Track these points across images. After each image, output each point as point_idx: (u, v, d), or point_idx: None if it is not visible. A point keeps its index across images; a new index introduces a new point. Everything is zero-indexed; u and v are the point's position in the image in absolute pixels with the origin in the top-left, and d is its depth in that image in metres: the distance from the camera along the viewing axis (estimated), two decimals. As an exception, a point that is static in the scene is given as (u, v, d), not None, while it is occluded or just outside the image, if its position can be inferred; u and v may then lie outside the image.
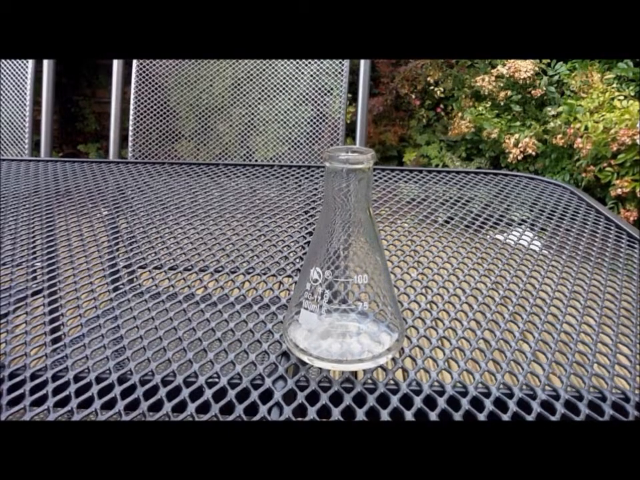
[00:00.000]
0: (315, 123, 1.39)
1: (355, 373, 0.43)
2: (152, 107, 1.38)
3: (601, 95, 2.68)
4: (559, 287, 0.60)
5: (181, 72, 1.41)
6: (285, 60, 1.39)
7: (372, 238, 0.43)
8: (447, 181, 1.00)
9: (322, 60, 1.38)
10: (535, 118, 2.98)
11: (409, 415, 0.39)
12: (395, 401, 0.40)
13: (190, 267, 0.63)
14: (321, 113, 1.39)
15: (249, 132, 1.41)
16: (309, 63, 1.39)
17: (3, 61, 1.34)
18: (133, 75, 1.36)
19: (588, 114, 2.61)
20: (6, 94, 1.35)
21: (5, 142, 1.34)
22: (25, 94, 1.33)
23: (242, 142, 1.42)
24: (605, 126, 2.48)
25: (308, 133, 1.39)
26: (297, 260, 0.66)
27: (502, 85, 2.98)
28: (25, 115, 1.33)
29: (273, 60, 1.39)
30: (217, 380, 0.42)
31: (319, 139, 1.39)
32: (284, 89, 1.40)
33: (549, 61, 2.96)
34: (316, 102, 1.39)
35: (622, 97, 2.62)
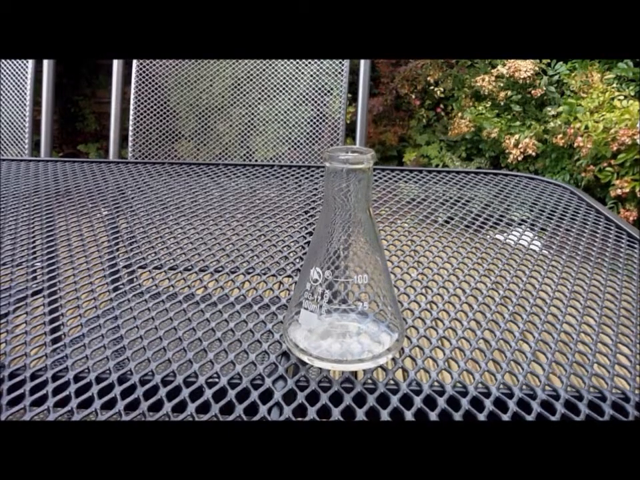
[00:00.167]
0: (314, 123, 1.39)
1: (354, 373, 0.43)
2: (152, 107, 1.38)
3: (600, 94, 2.68)
4: (559, 287, 0.60)
5: (181, 72, 1.41)
6: (285, 60, 1.39)
7: (372, 238, 0.43)
8: (447, 181, 1.00)
9: (322, 60, 1.38)
10: (535, 118, 2.98)
11: (409, 415, 0.39)
12: (395, 400, 0.40)
13: (190, 267, 0.63)
14: (321, 113, 1.39)
15: (248, 132, 1.41)
16: (309, 62, 1.39)
17: (3, 60, 1.34)
18: (133, 75, 1.36)
19: (588, 114, 2.61)
20: (6, 94, 1.35)
21: (5, 142, 1.34)
22: (25, 94, 1.33)
23: (242, 142, 1.42)
24: (604, 126, 2.48)
25: (308, 133, 1.39)
26: (297, 260, 0.66)
27: (502, 84, 2.98)
28: (25, 115, 1.33)
29: (273, 60, 1.39)
30: (216, 380, 0.42)
31: (319, 139, 1.39)
32: (284, 88, 1.40)
33: (548, 60, 2.96)
34: (316, 102, 1.39)
35: (622, 97, 2.62)
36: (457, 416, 0.39)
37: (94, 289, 0.57)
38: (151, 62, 1.38)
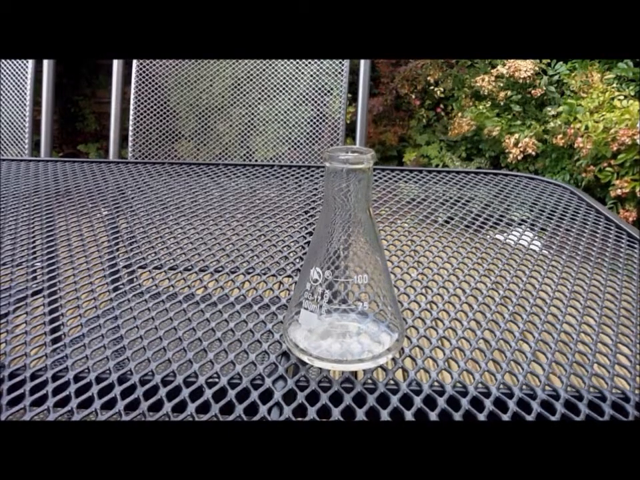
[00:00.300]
0: (315, 123, 1.39)
1: (355, 373, 0.43)
2: (152, 107, 1.38)
3: (600, 94, 2.68)
4: (559, 287, 0.60)
5: (181, 72, 1.41)
6: (285, 60, 1.39)
7: (372, 238, 0.43)
8: (447, 181, 1.00)
9: (322, 60, 1.38)
10: (535, 118, 2.98)
11: (409, 415, 0.39)
12: (395, 400, 0.40)
13: (190, 267, 0.63)
14: (321, 113, 1.39)
15: (248, 132, 1.41)
16: (309, 62, 1.39)
17: (3, 60, 1.34)
18: (133, 75, 1.36)
19: (588, 114, 2.61)
20: (6, 94, 1.35)
21: (5, 142, 1.34)
22: (25, 94, 1.33)
23: (242, 142, 1.42)
24: (605, 126, 2.48)
25: (308, 133, 1.39)
26: (297, 260, 0.66)
27: (502, 84, 2.98)
28: (25, 115, 1.33)
29: (273, 60, 1.39)
30: (216, 380, 0.42)
31: (319, 139, 1.39)
32: (284, 88, 1.40)
33: (548, 60, 2.96)
34: (316, 102, 1.39)
35: (622, 97, 2.62)
36: (457, 416, 0.39)
37: (94, 289, 0.57)
38: (151, 62, 1.38)
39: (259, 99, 1.40)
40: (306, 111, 1.39)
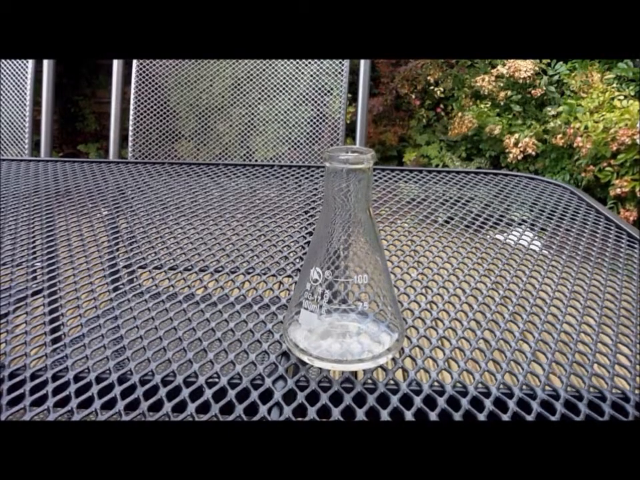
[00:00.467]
0: (315, 123, 1.39)
1: (355, 373, 0.43)
2: (152, 107, 1.38)
3: (600, 94, 2.68)
4: (559, 287, 0.60)
5: (181, 72, 1.41)
6: (285, 60, 1.39)
7: (372, 238, 0.43)
8: (447, 181, 1.00)
9: (322, 60, 1.38)
10: (535, 118, 2.98)
11: (409, 415, 0.39)
12: (395, 400, 0.40)
13: (190, 267, 0.63)
14: (321, 113, 1.39)
15: (249, 132, 1.41)
16: (309, 63, 1.39)
17: (3, 61, 1.34)
18: (133, 75, 1.36)
19: (588, 114, 2.61)
20: (6, 94, 1.35)
21: (5, 142, 1.34)
22: (25, 94, 1.33)
23: (242, 142, 1.42)
24: (604, 126, 2.48)
25: (308, 133, 1.39)
26: (297, 260, 0.66)
27: (502, 84, 2.98)
28: (25, 115, 1.33)
29: (273, 60, 1.39)
30: (216, 380, 0.42)
31: (319, 139, 1.39)
32: (284, 88, 1.40)
33: (548, 60, 2.96)
34: (316, 102, 1.39)
35: (622, 97, 2.62)
36: (457, 416, 0.39)
37: (94, 289, 0.57)
38: (151, 62, 1.38)
39: (259, 98, 1.40)
40: (306, 111, 1.39)
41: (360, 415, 0.39)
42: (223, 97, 1.40)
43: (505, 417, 0.39)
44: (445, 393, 0.41)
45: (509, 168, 2.96)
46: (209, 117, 1.41)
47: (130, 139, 1.37)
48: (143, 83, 1.37)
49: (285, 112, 1.40)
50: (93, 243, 0.70)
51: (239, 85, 1.40)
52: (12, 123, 1.34)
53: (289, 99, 1.39)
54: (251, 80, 1.40)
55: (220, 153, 1.42)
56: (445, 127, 3.25)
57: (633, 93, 2.67)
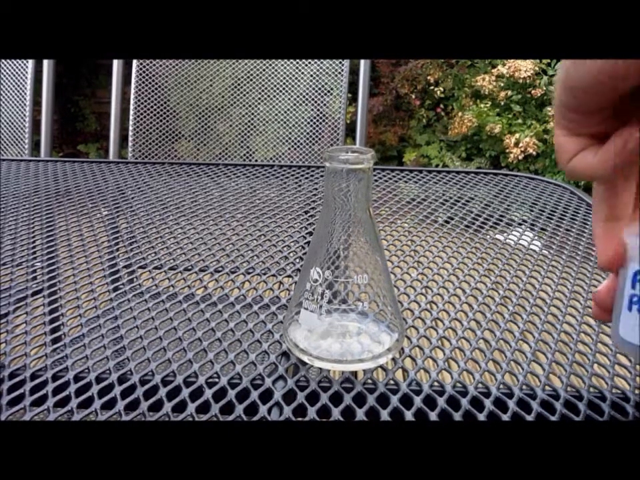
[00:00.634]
0: (315, 123, 1.39)
1: (355, 373, 0.43)
2: (152, 106, 1.38)
3: (600, 94, 2.68)
4: (559, 287, 0.60)
5: (181, 72, 1.41)
6: (285, 60, 1.39)
7: (372, 238, 0.43)
8: (447, 181, 1.00)
9: (322, 60, 1.38)
10: (535, 118, 2.98)
11: (409, 415, 0.39)
12: (394, 400, 0.40)
13: (190, 267, 0.63)
14: (321, 113, 1.39)
15: (249, 132, 1.41)
16: (309, 63, 1.39)
17: (3, 61, 1.34)
18: (133, 75, 1.36)
19: (588, 114, 2.61)
20: (6, 94, 1.35)
21: (5, 142, 1.34)
22: (25, 94, 1.33)
23: (242, 142, 1.42)
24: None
25: (308, 133, 1.39)
26: (297, 260, 0.66)
27: (502, 84, 2.98)
28: (25, 115, 1.33)
29: (273, 60, 1.39)
30: (216, 380, 0.42)
31: (319, 139, 1.39)
32: (284, 88, 1.40)
33: (549, 60, 2.96)
34: (316, 102, 1.39)
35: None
36: (457, 416, 0.39)
37: (94, 289, 0.57)
38: (151, 62, 1.38)
39: (259, 98, 1.40)
40: (306, 111, 1.39)
41: (360, 414, 0.39)
42: (223, 96, 1.40)
43: (505, 417, 0.39)
44: (444, 393, 0.41)
45: (509, 168, 2.96)
46: (209, 116, 1.41)
47: (130, 139, 1.37)
48: (143, 82, 1.37)
49: (285, 112, 1.40)
50: (93, 243, 0.70)
51: (238, 84, 1.40)
52: (12, 123, 1.34)
53: (289, 99, 1.39)
54: (251, 80, 1.40)
55: (220, 153, 1.42)
56: (445, 127, 3.25)
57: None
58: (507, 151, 2.89)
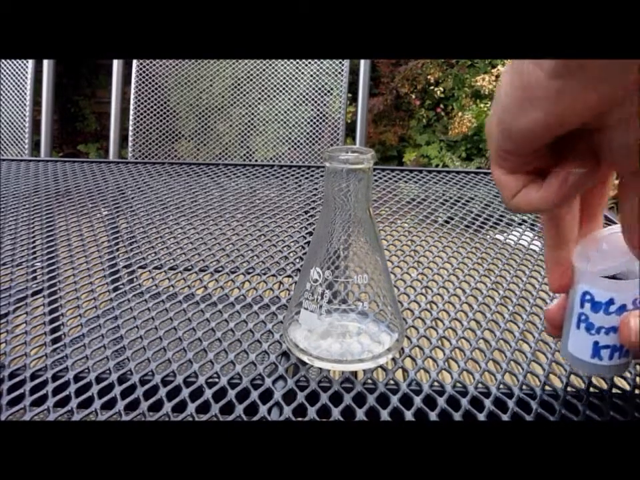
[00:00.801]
0: (315, 123, 1.39)
1: (354, 373, 0.43)
2: (152, 106, 1.38)
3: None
4: (559, 286, 0.60)
5: (181, 72, 1.41)
6: (285, 60, 1.39)
7: (372, 238, 0.43)
8: (447, 181, 1.00)
9: (322, 60, 1.38)
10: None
11: (408, 415, 0.39)
12: (394, 400, 0.40)
13: (190, 267, 0.63)
14: (321, 112, 1.39)
15: (249, 132, 1.41)
16: (309, 63, 1.40)
17: (3, 61, 1.35)
18: (133, 75, 1.37)
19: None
20: (6, 94, 1.35)
21: (5, 142, 1.34)
22: (25, 94, 1.33)
23: (242, 142, 1.42)
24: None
25: (308, 133, 1.39)
26: (297, 260, 0.66)
27: (502, 84, 2.98)
28: (25, 115, 1.33)
29: (273, 60, 1.39)
30: (216, 380, 0.42)
31: (319, 139, 1.39)
32: (284, 88, 1.40)
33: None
34: (316, 102, 1.39)
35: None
36: (457, 416, 0.39)
37: (94, 289, 0.57)
38: (151, 62, 1.38)
39: (259, 98, 1.40)
40: (306, 111, 1.39)
41: (360, 414, 0.39)
42: (223, 96, 1.40)
43: (505, 417, 0.39)
44: (444, 393, 0.41)
45: (509, 168, 2.96)
46: (209, 116, 1.41)
47: (130, 139, 1.37)
48: (143, 82, 1.37)
49: (285, 112, 1.40)
50: (93, 243, 0.70)
51: (239, 84, 1.40)
52: (12, 123, 1.34)
53: (289, 99, 1.39)
54: (251, 80, 1.40)
55: (220, 153, 1.42)
56: (445, 127, 3.25)
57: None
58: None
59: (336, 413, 0.39)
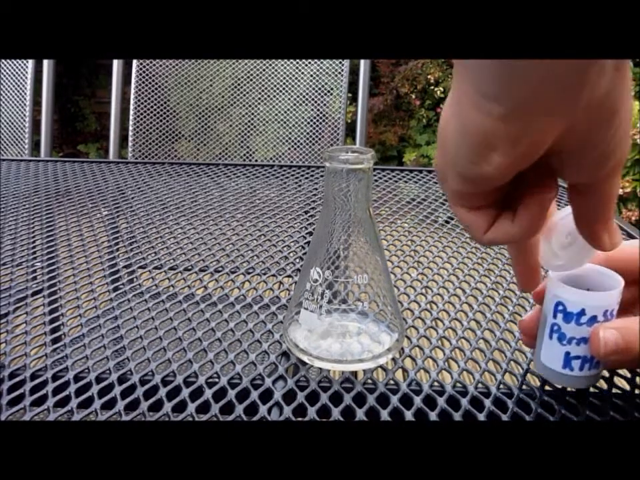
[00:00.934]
0: (315, 123, 1.39)
1: (354, 373, 0.43)
2: (152, 106, 1.38)
3: (601, 94, 2.68)
4: (559, 286, 0.60)
5: (181, 72, 1.41)
6: (285, 60, 1.40)
7: (372, 238, 0.43)
8: (447, 181, 1.00)
9: (322, 60, 1.38)
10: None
11: (408, 415, 0.39)
12: (394, 400, 0.40)
13: (190, 267, 0.63)
14: (321, 113, 1.39)
15: (249, 132, 1.41)
16: (309, 63, 1.40)
17: (3, 61, 1.35)
18: (133, 75, 1.37)
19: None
20: (6, 94, 1.35)
21: (5, 142, 1.34)
22: (25, 94, 1.33)
23: (242, 142, 1.42)
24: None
25: (308, 133, 1.39)
26: (297, 260, 0.66)
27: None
28: (25, 115, 1.33)
29: (273, 60, 1.39)
30: (217, 380, 0.42)
31: (319, 139, 1.39)
32: (284, 88, 1.40)
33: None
34: (316, 102, 1.39)
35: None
36: (457, 416, 0.39)
37: (94, 289, 0.57)
38: (151, 62, 1.38)
39: (259, 98, 1.40)
40: (306, 111, 1.39)
41: (360, 414, 0.39)
42: (222, 96, 1.40)
43: (505, 417, 0.39)
44: (444, 393, 0.41)
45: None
46: (209, 116, 1.41)
47: (130, 139, 1.37)
48: (143, 83, 1.37)
49: (285, 112, 1.40)
50: (93, 243, 0.70)
51: (239, 84, 1.40)
52: (12, 123, 1.34)
53: (289, 99, 1.39)
54: (251, 80, 1.40)
55: (220, 153, 1.43)
56: (445, 127, 3.25)
57: (633, 93, 2.67)
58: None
59: (336, 413, 0.39)
